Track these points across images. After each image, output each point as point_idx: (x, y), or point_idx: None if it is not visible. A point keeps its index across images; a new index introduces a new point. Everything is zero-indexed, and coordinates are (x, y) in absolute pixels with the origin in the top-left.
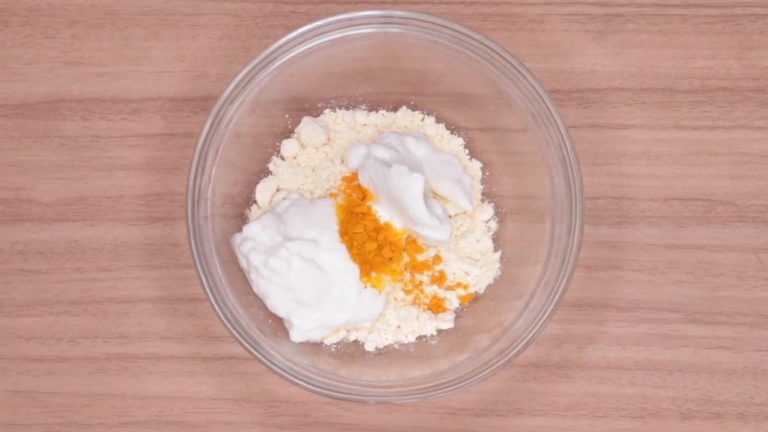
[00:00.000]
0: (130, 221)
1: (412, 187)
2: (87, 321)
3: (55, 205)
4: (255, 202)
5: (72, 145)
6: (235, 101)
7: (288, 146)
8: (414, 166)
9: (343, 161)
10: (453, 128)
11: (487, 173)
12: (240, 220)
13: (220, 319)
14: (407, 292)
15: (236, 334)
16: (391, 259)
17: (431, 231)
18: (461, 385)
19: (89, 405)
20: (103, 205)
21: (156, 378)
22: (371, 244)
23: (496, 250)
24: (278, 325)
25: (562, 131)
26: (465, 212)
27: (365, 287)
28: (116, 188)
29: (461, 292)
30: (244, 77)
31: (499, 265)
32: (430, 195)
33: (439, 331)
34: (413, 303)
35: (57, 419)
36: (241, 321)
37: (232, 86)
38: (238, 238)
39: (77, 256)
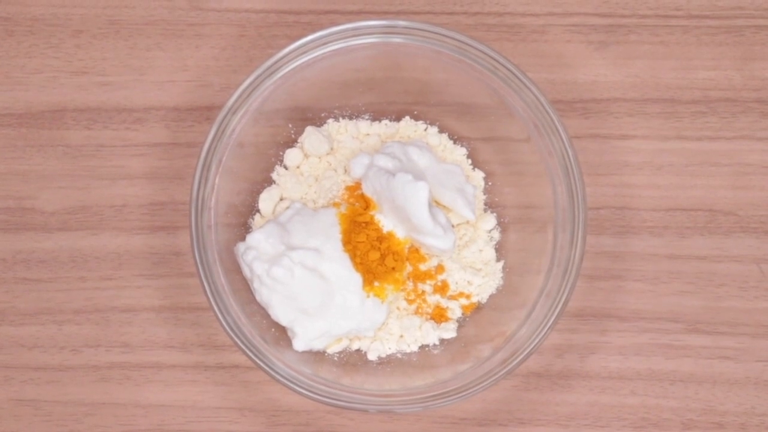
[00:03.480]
0: (134, 230)
1: (417, 196)
2: (90, 330)
3: (58, 214)
4: (258, 211)
5: (75, 154)
6: (239, 111)
7: (291, 156)
8: (417, 176)
9: (346, 171)
10: (456, 138)
11: (490, 183)
12: (243, 229)
13: (224, 328)
14: (410, 302)
15: (239, 343)
16: (393, 268)
17: (435, 240)
18: (463, 394)
19: (92, 414)
20: (106, 214)
21: (158, 387)
22: (374, 254)
23: (498, 259)
24: (281, 334)
25: (565, 141)
26: (467, 222)
27: (368, 296)
28: (119, 197)
29: (464, 301)
30: (248, 87)
31: (501, 275)
32: (433, 204)
33: (442, 341)
34: (416, 312)
35: (60, 428)
36: (244, 330)
37: (235, 96)
38: (241, 247)
39: (80, 265)
